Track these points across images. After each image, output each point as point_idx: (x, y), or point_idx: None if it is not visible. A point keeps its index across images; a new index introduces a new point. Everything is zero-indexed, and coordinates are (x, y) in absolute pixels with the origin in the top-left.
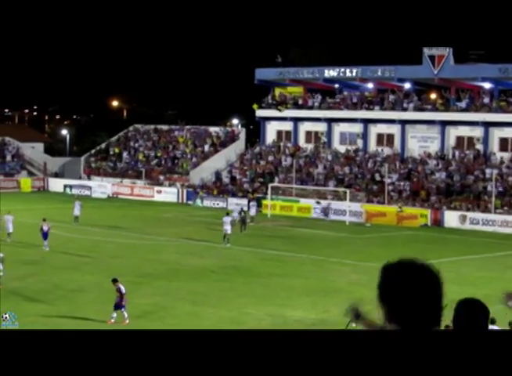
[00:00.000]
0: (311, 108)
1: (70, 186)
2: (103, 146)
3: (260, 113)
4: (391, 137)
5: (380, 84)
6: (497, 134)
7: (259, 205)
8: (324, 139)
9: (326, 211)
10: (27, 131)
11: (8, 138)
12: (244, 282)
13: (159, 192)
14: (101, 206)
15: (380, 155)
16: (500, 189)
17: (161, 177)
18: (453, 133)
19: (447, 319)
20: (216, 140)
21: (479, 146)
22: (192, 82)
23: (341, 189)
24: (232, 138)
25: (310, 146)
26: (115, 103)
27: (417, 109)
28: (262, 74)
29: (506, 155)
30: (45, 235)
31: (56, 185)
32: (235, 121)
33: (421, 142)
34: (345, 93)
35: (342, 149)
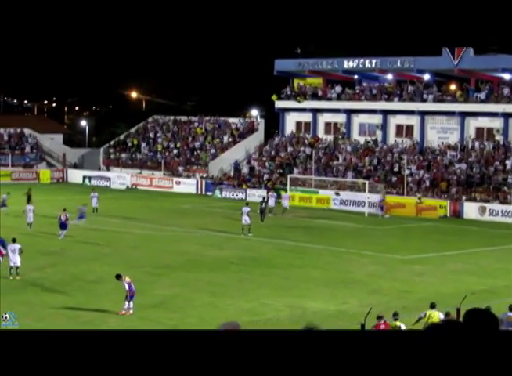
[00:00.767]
0: (330, 99)
1: (89, 178)
2: (122, 137)
3: (279, 104)
4: (410, 128)
5: (399, 76)
6: None
7: (278, 196)
8: (343, 130)
9: None
10: (46, 123)
11: (27, 129)
12: (263, 273)
13: (178, 183)
14: (120, 197)
15: (399, 146)
16: None
17: (180, 168)
18: (473, 124)
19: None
20: (235, 131)
21: (499, 137)
22: (211, 73)
23: (360, 181)
24: (251, 129)
25: (329, 138)
26: (134, 95)
27: (437, 100)
28: (281, 65)
29: None
30: (63, 225)
31: (75, 176)
32: (254, 113)
33: (440, 134)
34: (364, 84)
35: (361, 140)
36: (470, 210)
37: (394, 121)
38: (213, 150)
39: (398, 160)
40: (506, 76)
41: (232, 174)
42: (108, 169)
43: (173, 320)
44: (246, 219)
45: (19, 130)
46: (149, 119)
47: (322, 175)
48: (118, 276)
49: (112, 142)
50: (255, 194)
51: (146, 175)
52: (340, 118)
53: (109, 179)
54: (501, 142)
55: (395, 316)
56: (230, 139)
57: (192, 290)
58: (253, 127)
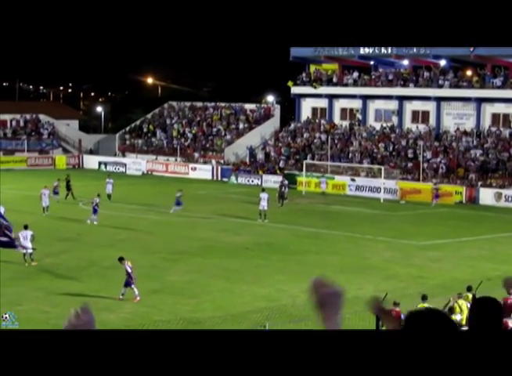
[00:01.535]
0: (346, 85)
1: (105, 163)
2: (138, 123)
3: (295, 90)
4: (426, 114)
5: (415, 61)
6: None
7: (293, 182)
8: (359, 116)
9: None
10: (61, 109)
11: (43, 115)
12: (279, 259)
13: (193, 169)
14: (135, 183)
15: (415, 132)
16: None
17: (196, 154)
18: (489, 110)
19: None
20: (251, 117)
21: None
22: (227, 59)
23: (376, 166)
24: (267, 115)
25: (345, 123)
26: (150, 80)
27: (453, 86)
28: (297, 51)
29: None
30: (94, 210)
31: (91, 162)
32: (270, 99)
33: (456, 119)
34: (380, 70)
35: (377, 126)
36: (486, 196)
37: (410, 106)
38: (228, 136)
39: (413, 146)
40: None
41: (247, 160)
42: (124, 155)
43: (188, 306)
44: (264, 205)
45: (34, 116)
46: (165, 105)
47: (337, 161)
48: (121, 259)
49: (128, 128)
50: (271, 180)
51: (162, 160)
52: (356, 104)
53: (124, 165)
54: None
55: (424, 299)
56: (246, 125)
57: (207, 276)
58: (269, 113)
